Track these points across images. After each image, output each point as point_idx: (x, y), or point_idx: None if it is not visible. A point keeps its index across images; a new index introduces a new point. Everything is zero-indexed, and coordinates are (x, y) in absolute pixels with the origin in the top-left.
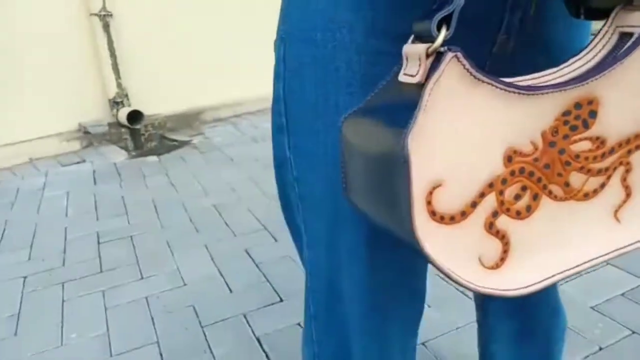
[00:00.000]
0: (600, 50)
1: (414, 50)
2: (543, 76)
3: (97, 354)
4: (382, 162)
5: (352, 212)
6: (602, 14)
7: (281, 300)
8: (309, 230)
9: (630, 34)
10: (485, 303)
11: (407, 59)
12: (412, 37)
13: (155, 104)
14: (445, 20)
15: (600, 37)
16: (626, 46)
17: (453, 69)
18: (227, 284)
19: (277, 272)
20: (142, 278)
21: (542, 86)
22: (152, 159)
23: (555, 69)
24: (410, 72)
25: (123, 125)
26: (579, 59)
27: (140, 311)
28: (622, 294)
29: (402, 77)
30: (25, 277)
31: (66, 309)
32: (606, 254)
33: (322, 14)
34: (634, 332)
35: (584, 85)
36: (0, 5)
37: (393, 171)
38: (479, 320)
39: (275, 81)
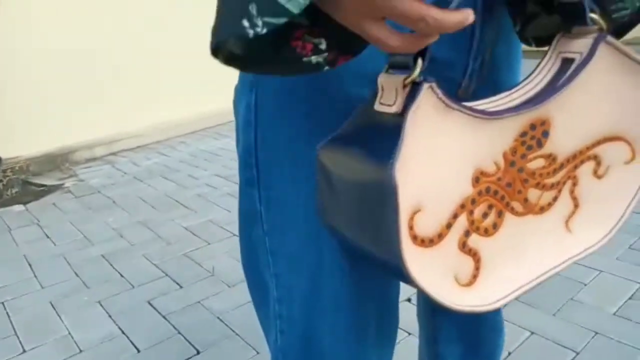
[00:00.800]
0: (546, 74)
1: (390, 80)
2: (500, 99)
3: None
4: (366, 191)
5: (336, 262)
6: (549, 42)
7: (198, 353)
8: (282, 285)
9: (572, 59)
10: (437, 331)
11: (382, 88)
12: (385, 67)
13: (13, 145)
14: (420, 54)
15: (545, 61)
16: (570, 71)
17: (429, 98)
18: (132, 343)
19: (188, 322)
20: (24, 352)
21: (503, 110)
22: (18, 208)
23: (508, 92)
24: (387, 101)
25: None
26: (529, 82)
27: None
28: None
29: (378, 106)
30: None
31: None
32: (561, 263)
33: None
34: (533, 333)
35: (537, 108)
36: None
37: (379, 200)
38: (425, 347)
39: (243, 131)
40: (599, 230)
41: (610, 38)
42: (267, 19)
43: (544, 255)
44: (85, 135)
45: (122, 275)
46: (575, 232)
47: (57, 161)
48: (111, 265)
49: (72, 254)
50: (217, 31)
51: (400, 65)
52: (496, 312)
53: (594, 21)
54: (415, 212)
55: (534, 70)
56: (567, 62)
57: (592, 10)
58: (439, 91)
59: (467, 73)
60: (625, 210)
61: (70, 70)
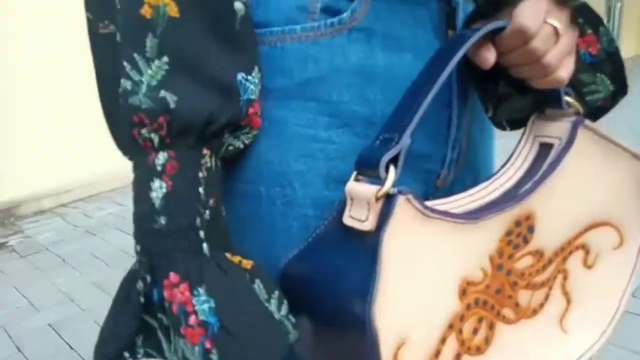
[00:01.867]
0: (524, 160)
1: (360, 191)
2: (478, 191)
3: None
4: (340, 325)
5: None
6: (524, 124)
7: None
8: None
9: (550, 144)
10: None
11: (351, 199)
12: (354, 174)
13: None
14: (393, 160)
15: (521, 146)
16: (551, 159)
17: (405, 212)
18: None
19: None
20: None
21: (486, 210)
22: None
23: (486, 183)
24: (358, 215)
25: None
26: (507, 170)
27: None
28: None
29: (348, 220)
30: None
31: None
32: None
33: (267, 165)
34: None
35: (521, 203)
36: None
37: (356, 344)
38: None
39: None
40: (595, 327)
41: (588, 122)
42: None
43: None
44: (31, 186)
45: (71, 347)
46: (572, 332)
47: (1, 216)
48: (59, 335)
49: (14, 324)
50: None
51: (369, 172)
52: None
53: (569, 104)
54: (399, 347)
55: (511, 156)
56: (545, 146)
57: (566, 93)
58: (416, 202)
59: (445, 163)
60: (620, 303)
61: (10, 116)
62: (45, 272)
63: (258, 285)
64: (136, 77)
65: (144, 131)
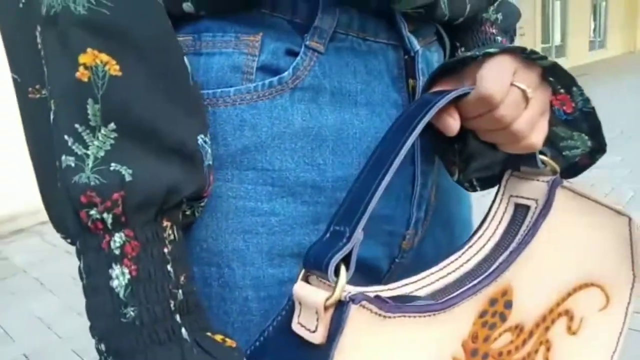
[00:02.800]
0: (499, 223)
1: (308, 297)
2: (450, 262)
3: None
4: None
5: None
6: (496, 181)
7: None
8: None
9: (527, 206)
10: None
11: (299, 304)
12: (302, 273)
13: None
14: (345, 259)
15: (495, 207)
16: (527, 225)
17: (360, 319)
18: None
19: None
20: None
21: (457, 296)
22: None
23: (460, 252)
24: (307, 324)
25: None
26: (481, 235)
27: None
28: None
29: (296, 327)
30: None
31: None
32: None
33: (199, 244)
34: None
35: (496, 280)
36: None
37: None
38: None
39: None
40: None
41: (565, 183)
42: None
43: None
44: (8, 204)
45: None
46: None
47: None
48: None
49: None
50: None
51: (318, 273)
52: None
53: (545, 163)
54: None
55: (485, 218)
56: (520, 208)
57: (542, 152)
58: (372, 306)
59: (411, 224)
60: None
61: None
62: (20, 298)
63: None
64: (80, 150)
65: (93, 212)
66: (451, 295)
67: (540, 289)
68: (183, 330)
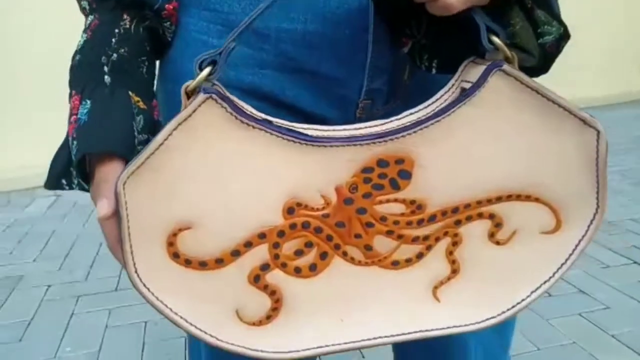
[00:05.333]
0: (440, 104)
1: (188, 85)
2: (365, 127)
3: None
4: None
5: None
6: (455, 67)
7: None
8: None
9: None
10: None
11: (186, 96)
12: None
13: None
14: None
15: (443, 91)
16: (447, 103)
17: (212, 111)
18: None
19: None
20: None
21: (331, 138)
22: None
23: (382, 121)
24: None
25: None
26: (415, 112)
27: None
28: None
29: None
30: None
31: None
32: (409, 334)
33: (171, 63)
34: None
35: (386, 142)
36: None
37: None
38: None
39: None
40: (482, 309)
41: (509, 67)
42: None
43: (390, 319)
44: None
45: None
46: (446, 302)
47: None
48: None
49: None
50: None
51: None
52: None
53: (495, 45)
54: (181, 229)
55: (429, 100)
56: (464, 92)
57: (495, 33)
58: (226, 104)
59: (362, 92)
60: (529, 295)
61: None
62: None
63: (139, 118)
64: None
65: (82, 2)
66: (325, 135)
67: (456, 177)
68: (106, 77)
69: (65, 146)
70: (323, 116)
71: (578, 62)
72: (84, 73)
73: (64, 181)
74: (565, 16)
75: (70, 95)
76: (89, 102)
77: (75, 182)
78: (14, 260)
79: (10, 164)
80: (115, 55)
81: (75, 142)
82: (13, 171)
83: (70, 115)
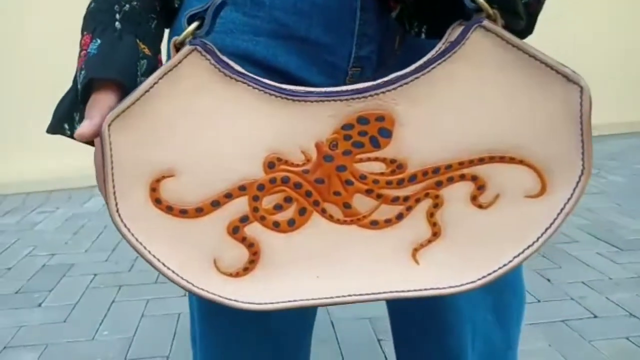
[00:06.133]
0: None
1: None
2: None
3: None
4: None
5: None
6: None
7: None
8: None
9: None
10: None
11: (175, 50)
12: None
13: None
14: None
15: (432, 53)
16: (426, 59)
17: (198, 63)
18: None
19: None
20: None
21: (309, 92)
22: None
23: (369, 83)
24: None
25: None
26: (401, 74)
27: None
28: None
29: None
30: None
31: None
32: (384, 293)
33: (178, 24)
34: None
35: (366, 98)
36: None
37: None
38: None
39: None
40: (462, 274)
41: (489, 24)
42: None
43: (366, 278)
44: None
45: None
46: (425, 266)
47: None
48: None
49: None
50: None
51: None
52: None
53: (477, 3)
54: (165, 176)
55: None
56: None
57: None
58: (210, 57)
59: (350, 60)
60: (512, 260)
61: None
62: None
63: (143, 62)
64: None
65: None
66: (305, 90)
67: (437, 136)
68: (117, 23)
69: (69, 92)
70: (314, 83)
71: None
72: (96, 18)
73: (66, 125)
74: None
75: (82, 37)
76: (99, 40)
77: (77, 127)
78: (68, 250)
79: (74, 164)
80: (127, 6)
81: (83, 72)
82: (75, 171)
83: (80, 51)
